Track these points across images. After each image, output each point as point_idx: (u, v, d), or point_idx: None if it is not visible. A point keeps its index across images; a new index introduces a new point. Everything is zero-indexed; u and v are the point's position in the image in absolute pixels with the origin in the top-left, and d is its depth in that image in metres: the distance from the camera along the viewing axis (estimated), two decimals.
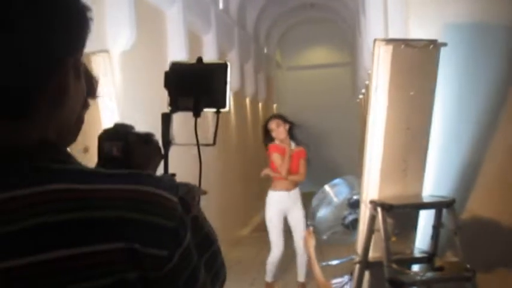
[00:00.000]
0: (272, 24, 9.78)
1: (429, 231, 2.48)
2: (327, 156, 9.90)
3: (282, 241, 4.22)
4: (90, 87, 1.07)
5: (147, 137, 1.29)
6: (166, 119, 1.26)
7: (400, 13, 3.12)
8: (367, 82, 5.36)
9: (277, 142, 4.13)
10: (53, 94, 0.60)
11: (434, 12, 2.88)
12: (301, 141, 4.24)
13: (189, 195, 1.04)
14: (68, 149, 0.67)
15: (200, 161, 1.21)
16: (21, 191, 0.55)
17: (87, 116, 2.27)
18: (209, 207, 5.88)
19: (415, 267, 2.57)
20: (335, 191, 3.18)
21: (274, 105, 10.62)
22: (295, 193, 4.18)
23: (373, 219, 2.29)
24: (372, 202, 2.30)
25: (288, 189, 4.15)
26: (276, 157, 4.11)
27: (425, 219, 2.57)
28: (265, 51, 9.69)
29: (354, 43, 8.36)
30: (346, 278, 2.80)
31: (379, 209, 2.22)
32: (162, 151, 1.28)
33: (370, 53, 2.42)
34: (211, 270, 0.70)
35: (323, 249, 4.34)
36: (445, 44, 2.34)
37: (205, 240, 0.70)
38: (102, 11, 3.32)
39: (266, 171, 4.24)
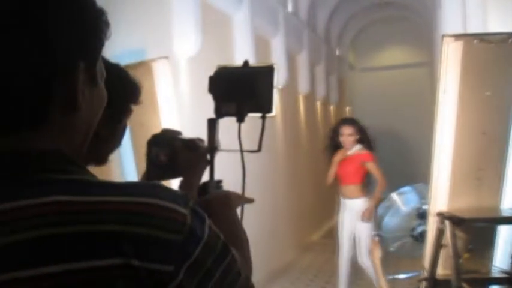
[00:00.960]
0: (344, 24, 9.55)
1: (510, 248, 2.22)
2: (399, 162, 9.46)
3: (350, 245, 4.03)
4: (132, 93, 1.07)
5: (193, 143, 1.26)
6: (212, 125, 1.23)
7: (479, 6, 2.85)
8: None
9: (341, 151, 3.98)
10: (62, 101, 0.58)
11: None
12: (371, 148, 4.00)
13: (216, 203, 1.00)
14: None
15: (243, 168, 1.16)
16: (21, 202, 0.54)
17: (147, 121, 2.30)
18: (279, 212, 5.94)
19: None
20: (403, 200, 2.98)
21: (347, 108, 10.35)
22: (357, 203, 3.96)
23: (440, 233, 2.10)
24: (440, 214, 2.11)
25: (346, 197, 3.97)
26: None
27: (506, 235, 2.31)
28: (337, 52, 9.47)
29: (431, 42, 7.92)
30: None
31: (447, 223, 2.03)
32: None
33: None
34: (226, 279, 0.65)
35: (390, 261, 4.12)
36: None
37: (223, 249, 0.65)
38: (168, 17, 3.40)
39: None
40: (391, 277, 2.98)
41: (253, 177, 4.57)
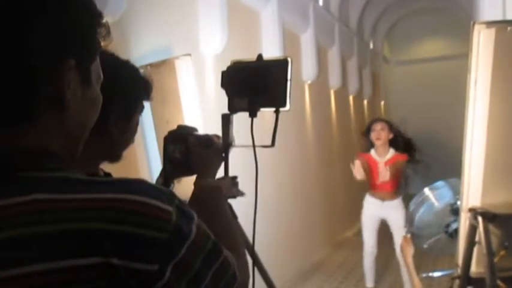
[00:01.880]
0: (378, 17, 9.34)
1: None
2: (436, 157, 9.17)
3: (373, 241, 4.00)
4: (143, 90, 1.07)
5: (207, 140, 1.26)
6: (226, 121, 1.22)
7: None
8: None
9: (372, 151, 3.90)
10: (50, 98, 0.58)
11: None
12: (408, 153, 3.90)
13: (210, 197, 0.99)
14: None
15: (256, 164, 1.14)
16: (1, 201, 0.53)
17: (171, 119, 2.32)
18: (311, 209, 5.89)
19: None
20: (436, 195, 2.88)
21: (382, 102, 10.14)
22: (393, 203, 3.90)
23: (473, 229, 2.01)
24: (472, 210, 2.02)
25: (383, 199, 3.91)
26: (357, 165, 3.90)
27: None
28: (371, 46, 9.28)
29: (469, 32, 7.60)
30: None
31: (479, 218, 1.94)
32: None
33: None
34: (219, 283, 0.63)
35: (424, 258, 4.00)
36: None
37: (213, 250, 0.63)
38: (194, 15, 3.42)
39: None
40: (424, 275, 2.89)
41: (284, 173, 4.56)
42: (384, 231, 4.12)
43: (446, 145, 9.23)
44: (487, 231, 1.92)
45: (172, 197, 0.59)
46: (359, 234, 6.45)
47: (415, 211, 2.99)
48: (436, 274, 3.09)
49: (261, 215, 1.07)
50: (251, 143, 1.10)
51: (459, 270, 2.21)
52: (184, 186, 1.26)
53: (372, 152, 3.94)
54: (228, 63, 1.20)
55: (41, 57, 0.56)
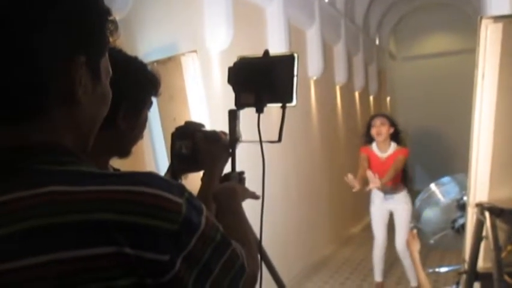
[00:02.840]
0: (384, 13, 9.28)
1: None
2: (443, 153, 9.14)
3: (383, 235, 4.01)
4: (151, 85, 1.08)
5: (214, 135, 1.27)
6: (233, 116, 1.23)
7: None
8: None
9: (373, 144, 3.91)
10: (61, 93, 0.59)
11: None
12: (405, 145, 3.94)
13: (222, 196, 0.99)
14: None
15: (263, 159, 1.14)
16: (15, 194, 0.55)
17: (178, 116, 2.33)
18: (318, 205, 5.89)
19: None
20: (442, 190, 2.88)
21: (388, 98, 10.09)
22: (398, 196, 3.91)
23: (480, 225, 2.01)
24: (479, 205, 2.01)
25: (385, 193, 3.92)
26: (362, 159, 3.92)
27: None
28: (377, 42, 9.24)
29: (477, 25, 7.54)
30: None
31: (486, 214, 1.93)
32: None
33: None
34: (228, 275, 0.64)
35: (430, 254, 4.00)
36: None
37: (222, 242, 0.64)
38: (200, 11, 3.42)
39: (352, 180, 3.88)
40: (431, 270, 2.89)
41: (291, 169, 4.57)
42: (391, 225, 4.12)
43: (453, 140, 9.19)
44: (494, 226, 1.92)
45: (182, 190, 0.60)
46: (365, 229, 6.46)
47: (421, 207, 2.98)
48: (443, 269, 3.09)
49: (267, 210, 1.08)
50: (257, 139, 1.11)
51: (466, 266, 2.21)
52: (191, 182, 1.27)
53: (374, 146, 3.94)
54: (234, 59, 1.20)
55: (51, 54, 0.57)
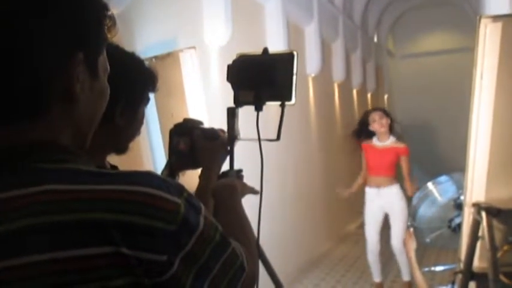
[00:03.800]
0: (383, 10, 9.27)
1: None
2: (440, 152, 9.15)
3: (376, 236, 4.04)
4: (148, 81, 1.07)
5: (212, 133, 1.26)
6: (231, 114, 1.22)
7: None
8: None
9: (374, 138, 3.94)
10: (60, 91, 0.58)
11: None
12: (401, 137, 3.98)
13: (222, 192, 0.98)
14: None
15: (262, 157, 1.14)
16: (12, 192, 0.54)
17: (176, 112, 2.31)
18: (314, 203, 5.89)
19: None
20: (439, 189, 2.88)
21: (385, 96, 10.10)
22: (390, 190, 3.92)
23: (476, 224, 2.01)
24: (475, 205, 2.01)
25: (379, 186, 3.93)
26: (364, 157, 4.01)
27: None
28: (375, 39, 9.24)
29: (476, 25, 7.53)
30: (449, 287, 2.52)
31: (483, 214, 1.94)
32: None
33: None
34: (227, 275, 0.64)
35: (426, 253, 4.01)
36: None
37: (221, 241, 0.63)
38: (199, 7, 3.40)
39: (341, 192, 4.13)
40: (427, 269, 2.89)
41: (287, 167, 4.57)
42: (386, 223, 4.13)
43: (450, 139, 9.22)
44: (490, 227, 1.92)
45: (180, 190, 0.60)
46: (362, 227, 6.50)
47: (418, 205, 2.98)
48: (439, 268, 3.09)
49: (263, 208, 1.07)
50: (255, 137, 1.10)
51: (462, 265, 2.22)
52: (189, 179, 1.26)
53: (374, 139, 3.98)
54: (233, 56, 1.19)
55: (49, 52, 0.57)
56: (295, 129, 4.88)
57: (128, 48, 1.03)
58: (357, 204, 6.93)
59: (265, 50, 1.19)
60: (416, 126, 9.33)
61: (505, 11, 3.28)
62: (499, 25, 1.92)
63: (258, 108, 1.14)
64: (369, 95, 8.66)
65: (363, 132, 4.00)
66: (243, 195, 1.04)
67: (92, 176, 0.57)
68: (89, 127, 0.65)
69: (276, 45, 4.41)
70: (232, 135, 1.21)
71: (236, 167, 1.23)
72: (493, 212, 1.93)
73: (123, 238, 0.53)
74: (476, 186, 2.07)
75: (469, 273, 2.12)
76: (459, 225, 2.78)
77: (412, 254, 2.66)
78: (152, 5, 2.87)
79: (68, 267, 0.52)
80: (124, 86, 0.94)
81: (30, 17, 0.55)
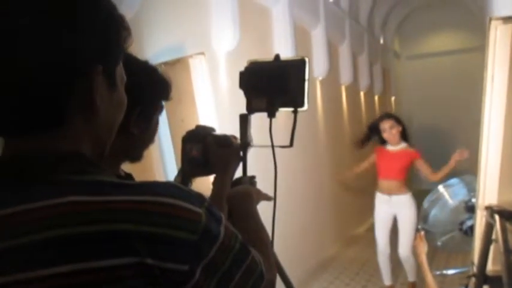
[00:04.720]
0: (388, 12, 9.25)
1: None
2: (449, 154, 9.08)
3: (386, 239, 4.01)
4: (162, 89, 1.08)
5: (225, 140, 1.26)
6: (244, 121, 1.22)
7: None
8: None
9: (387, 144, 3.92)
10: (81, 103, 0.59)
11: None
12: (413, 144, 3.96)
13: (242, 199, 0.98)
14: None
15: (275, 164, 1.14)
16: (37, 203, 0.55)
17: (186, 118, 2.33)
18: (323, 206, 5.86)
19: None
20: (450, 192, 2.86)
21: (392, 98, 10.06)
22: (400, 199, 3.89)
23: (490, 227, 2.00)
24: (488, 208, 2.00)
25: (390, 193, 3.91)
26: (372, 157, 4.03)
27: None
28: (381, 41, 9.21)
29: (483, 25, 7.49)
30: None
31: (496, 217, 1.92)
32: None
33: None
34: (247, 283, 0.64)
35: (436, 256, 3.98)
36: None
37: (241, 250, 0.64)
38: (206, 12, 3.41)
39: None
40: (438, 273, 2.87)
41: (296, 171, 4.56)
42: (396, 227, 4.10)
43: (458, 141, 9.14)
44: (504, 229, 1.91)
45: (201, 199, 0.60)
46: (371, 230, 6.47)
47: (429, 208, 2.97)
48: (450, 272, 3.07)
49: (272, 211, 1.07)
50: (266, 143, 1.10)
51: (475, 268, 2.20)
52: (200, 185, 1.26)
53: (388, 144, 3.97)
54: (241, 61, 1.20)
55: (70, 64, 0.57)
56: (303, 132, 4.86)
57: (136, 54, 1.04)
58: (366, 207, 6.91)
59: (277, 57, 1.20)
60: (424, 128, 9.29)
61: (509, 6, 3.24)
62: (509, 27, 1.91)
63: (271, 115, 1.14)
64: (376, 97, 8.64)
65: (372, 138, 3.98)
66: (258, 202, 1.04)
67: (114, 187, 0.58)
68: (108, 137, 0.66)
69: (283, 49, 4.41)
70: (245, 141, 1.21)
71: (248, 173, 1.23)
72: (506, 214, 1.92)
73: (147, 248, 0.54)
74: (489, 189, 2.06)
75: (482, 277, 2.11)
76: (471, 228, 2.76)
77: (423, 257, 2.64)
78: (160, 11, 2.89)
79: (93, 278, 0.52)
80: (138, 95, 0.95)
81: (50, 29, 0.56)
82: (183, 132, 1.27)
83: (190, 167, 1.25)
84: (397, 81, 10.44)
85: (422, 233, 2.80)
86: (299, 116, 1.13)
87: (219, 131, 1.29)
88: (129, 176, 0.98)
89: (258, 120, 1.16)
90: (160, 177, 2.40)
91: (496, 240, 1.96)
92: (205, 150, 1.23)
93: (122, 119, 0.70)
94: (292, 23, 4.63)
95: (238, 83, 1.16)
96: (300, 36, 5.00)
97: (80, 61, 0.58)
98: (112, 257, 0.53)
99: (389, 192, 3.91)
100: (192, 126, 1.28)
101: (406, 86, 10.51)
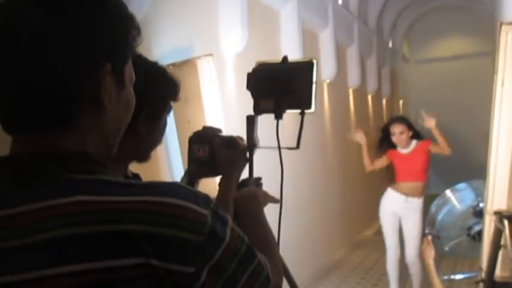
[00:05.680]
0: (397, 15, 9.22)
1: None
2: (458, 159, 9.02)
3: (396, 242, 3.93)
4: (170, 90, 1.08)
5: (232, 141, 1.26)
6: (250, 122, 1.22)
7: None
8: None
9: (399, 148, 3.89)
10: (88, 101, 0.59)
11: None
12: (422, 135, 3.92)
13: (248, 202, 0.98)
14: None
15: (282, 166, 1.13)
16: (44, 202, 0.55)
17: (193, 119, 2.33)
18: (330, 209, 5.84)
19: None
20: (458, 197, 2.84)
21: (401, 101, 10.02)
22: (416, 202, 3.82)
23: (498, 233, 1.98)
24: (497, 213, 1.98)
25: (407, 194, 3.84)
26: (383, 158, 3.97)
27: None
28: (390, 44, 9.18)
29: (493, 30, 7.44)
30: None
31: (505, 222, 1.90)
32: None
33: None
34: (254, 285, 0.64)
35: (442, 261, 3.94)
36: None
37: (248, 253, 0.63)
38: (214, 14, 3.42)
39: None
40: (446, 278, 2.85)
41: (302, 173, 4.55)
42: (401, 230, 4.04)
43: (466, 146, 9.09)
44: None
45: (208, 201, 0.60)
46: (378, 233, 6.44)
47: (436, 213, 2.94)
48: (458, 277, 3.04)
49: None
50: (273, 145, 1.10)
51: (483, 274, 2.18)
52: (206, 186, 1.26)
53: (399, 147, 3.93)
54: (249, 62, 1.19)
55: (79, 63, 0.57)
56: (310, 134, 4.87)
57: (145, 54, 1.04)
58: (373, 210, 6.88)
59: (285, 58, 1.19)
60: (431, 132, 9.22)
61: None
62: None
63: (278, 117, 1.14)
64: (384, 101, 8.61)
65: (386, 142, 3.94)
66: (264, 204, 1.04)
67: (121, 187, 0.57)
68: (116, 137, 0.66)
69: (292, 51, 4.40)
70: (251, 143, 1.21)
71: (255, 175, 1.23)
72: None
73: (153, 249, 0.53)
74: (498, 194, 2.04)
75: (491, 282, 2.09)
76: (478, 233, 2.73)
77: (431, 262, 2.62)
78: (168, 12, 2.90)
79: (99, 278, 0.52)
80: (147, 95, 0.95)
81: (59, 27, 0.56)
82: (189, 134, 1.26)
83: (197, 168, 1.25)
84: (405, 84, 10.40)
85: (430, 237, 2.79)
86: (306, 118, 1.12)
87: (225, 132, 1.29)
88: (136, 176, 0.98)
89: (265, 121, 1.16)
90: (166, 178, 2.41)
91: (505, 246, 1.94)
92: (211, 151, 1.23)
93: (130, 119, 0.70)
94: (301, 25, 4.63)
95: (245, 84, 1.16)
96: (308, 38, 5.00)
97: (89, 60, 0.58)
98: (118, 257, 0.53)
99: (408, 193, 3.82)
100: (199, 128, 1.27)
101: (414, 90, 10.46)
